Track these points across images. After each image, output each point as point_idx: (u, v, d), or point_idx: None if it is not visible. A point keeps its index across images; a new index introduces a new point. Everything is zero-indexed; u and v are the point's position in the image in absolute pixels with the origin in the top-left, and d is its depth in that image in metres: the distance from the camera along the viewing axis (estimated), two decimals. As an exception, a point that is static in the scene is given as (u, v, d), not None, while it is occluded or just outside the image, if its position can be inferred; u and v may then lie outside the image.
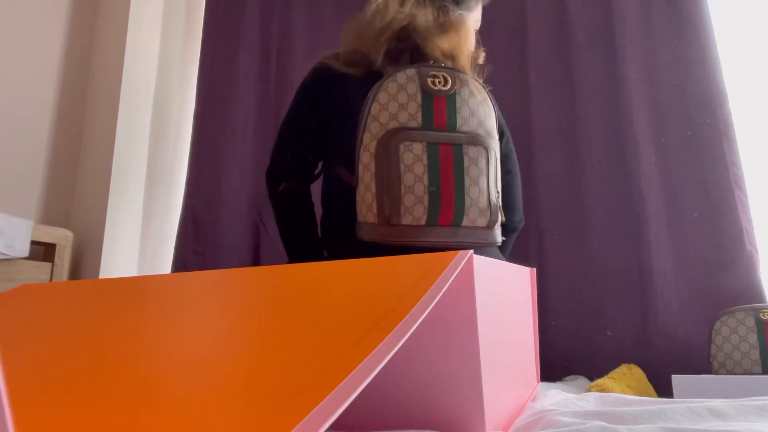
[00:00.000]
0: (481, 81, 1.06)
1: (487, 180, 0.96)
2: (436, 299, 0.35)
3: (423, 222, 0.94)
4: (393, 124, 0.96)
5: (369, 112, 0.98)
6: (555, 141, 1.73)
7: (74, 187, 2.08)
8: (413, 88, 0.98)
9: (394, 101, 0.97)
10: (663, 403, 0.60)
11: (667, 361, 1.44)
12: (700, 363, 1.39)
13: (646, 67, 1.64)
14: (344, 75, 1.08)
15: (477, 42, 1.18)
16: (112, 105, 2.05)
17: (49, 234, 1.81)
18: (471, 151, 0.96)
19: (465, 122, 0.98)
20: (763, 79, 1.62)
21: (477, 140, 0.97)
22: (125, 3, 2.12)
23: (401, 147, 0.95)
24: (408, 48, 1.07)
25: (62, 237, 1.84)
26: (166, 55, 2.22)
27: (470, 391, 0.46)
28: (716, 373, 1.30)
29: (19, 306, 0.52)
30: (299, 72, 2.01)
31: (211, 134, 2.06)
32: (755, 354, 1.26)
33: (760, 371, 1.24)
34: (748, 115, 1.59)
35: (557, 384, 1.35)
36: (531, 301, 0.84)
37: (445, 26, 1.08)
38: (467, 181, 0.94)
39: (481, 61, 1.13)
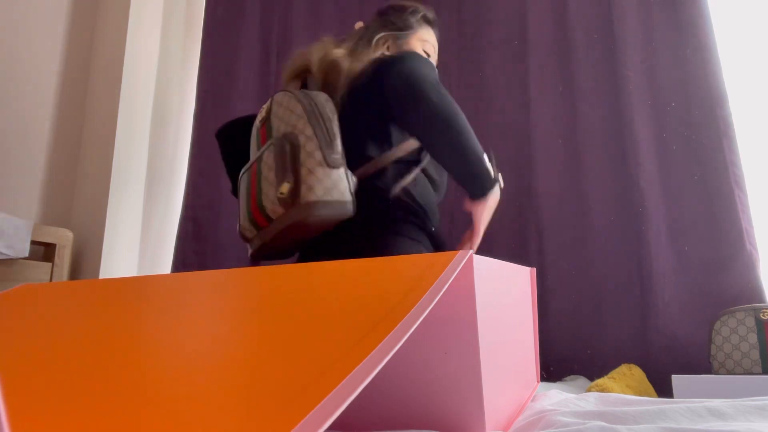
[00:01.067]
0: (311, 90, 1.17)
1: (275, 171, 1.06)
2: (436, 299, 0.35)
3: (255, 233, 1.10)
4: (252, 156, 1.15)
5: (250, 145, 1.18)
6: (555, 141, 1.73)
7: (74, 187, 2.08)
8: (259, 123, 1.16)
9: (255, 131, 1.17)
10: (663, 403, 0.60)
11: (667, 361, 1.44)
12: (700, 363, 1.39)
13: (646, 67, 1.64)
14: None
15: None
16: (112, 105, 2.05)
17: (49, 234, 1.81)
18: (266, 156, 1.08)
19: (277, 134, 1.09)
20: (763, 79, 1.62)
21: (270, 143, 1.09)
22: (125, 3, 2.12)
23: (243, 176, 1.14)
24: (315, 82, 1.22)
25: (62, 237, 1.84)
26: (166, 55, 2.22)
27: (470, 391, 0.46)
28: (716, 373, 1.30)
29: (18, 306, 0.52)
30: (299, 72, 2.02)
31: (211, 134, 2.06)
32: (755, 354, 1.26)
33: (760, 371, 1.24)
34: (748, 115, 1.59)
35: (557, 384, 1.35)
36: (531, 301, 0.84)
37: (323, 63, 1.21)
38: (264, 184, 1.06)
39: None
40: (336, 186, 1.03)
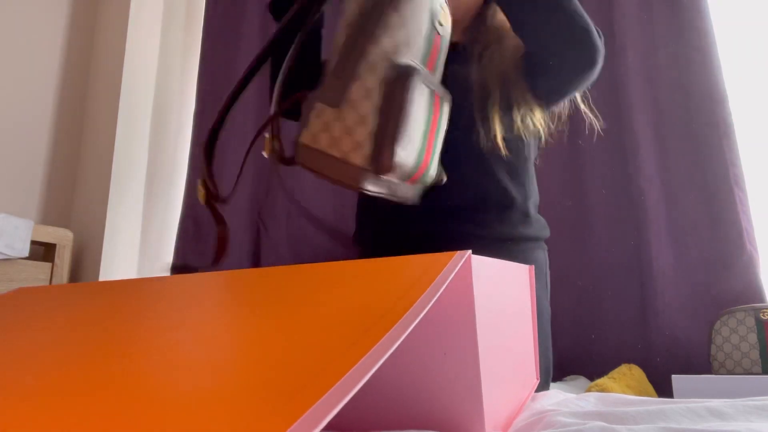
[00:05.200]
0: None
1: None
2: (434, 300, 0.35)
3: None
4: None
5: None
6: (554, 140, 1.72)
7: (74, 187, 2.08)
8: None
9: None
10: (663, 403, 0.60)
11: (667, 361, 1.44)
12: (700, 363, 1.39)
13: (646, 67, 1.64)
14: None
15: None
16: (112, 105, 2.05)
17: (49, 234, 1.81)
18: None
19: None
20: (763, 79, 1.62)
21: None
22: (125, 3, 2.12)
23: None
24: None
25: (62, 237, 1.84)
26: (166, 54, 2.22)
27: (469, 391, 0.46)
28: (716, 373, 1.29)
29: (14, 309, 0.52)
30: (299, 72, 2.02)
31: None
32: (755, 354, 1.25)
33: (760, 371, 1.24)
34: (748, 115, 1.59)
35: (557, 384, 1.35)
36: (530, 299, 0.84)
37: None
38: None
39: None
40: None
